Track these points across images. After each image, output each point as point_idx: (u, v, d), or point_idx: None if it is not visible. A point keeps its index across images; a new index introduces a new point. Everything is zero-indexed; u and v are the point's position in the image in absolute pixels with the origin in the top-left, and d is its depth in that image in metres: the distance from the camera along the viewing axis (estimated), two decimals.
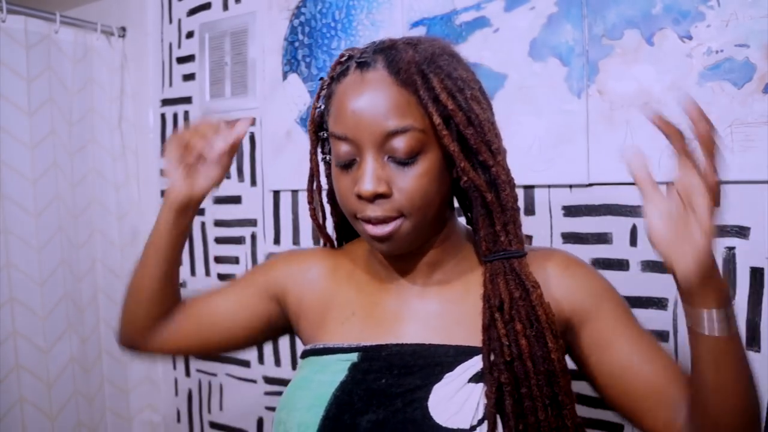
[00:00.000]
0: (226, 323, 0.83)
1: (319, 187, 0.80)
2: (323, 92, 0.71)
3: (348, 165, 0.66)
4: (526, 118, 1.22)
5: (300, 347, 1.66)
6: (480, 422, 0.61)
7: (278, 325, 0.84)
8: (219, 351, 0.87)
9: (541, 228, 1.22)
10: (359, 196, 0.64)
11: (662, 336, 1.13)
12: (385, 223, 0.65)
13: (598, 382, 0.68)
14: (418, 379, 0.64)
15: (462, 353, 0.65)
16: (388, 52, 0.65)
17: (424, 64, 0.63)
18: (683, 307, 0.57)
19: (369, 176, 0.63)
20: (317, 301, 0.78)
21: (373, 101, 0.63)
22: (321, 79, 0.72)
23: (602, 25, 1.15)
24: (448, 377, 0.64)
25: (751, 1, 1.01)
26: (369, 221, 0.65)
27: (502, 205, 0.65)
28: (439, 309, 0.70)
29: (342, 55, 0.70)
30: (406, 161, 0.63)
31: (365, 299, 0.74)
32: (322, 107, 0.71)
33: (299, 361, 0.77)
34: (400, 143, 0.62)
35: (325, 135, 0.72)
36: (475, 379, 0.63)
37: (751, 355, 1.04)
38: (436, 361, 0.65)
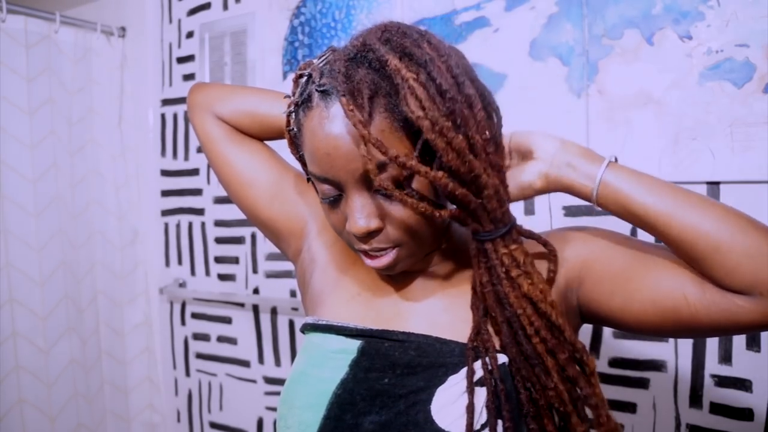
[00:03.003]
0: (255, 167, 0.83)
1: None
2: (291, 116, 0.67)
3: (335, 200, 0.63)
4: (526, 118, 1.22)
5: (299, 344, 1.66)
6: (483, 427, 0.60)
7: (279, 222, 0.82)
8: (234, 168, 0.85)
9: (541, 228, 1.21)
10: (351, 234, 0.62)
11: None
12: (381, 254, 0.63)
13: (629, 322, 0.64)
14: (422, 381, 0.63)
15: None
16: (345, 75, 0.59)
17: (382, 81, 0.58)
18: (594, 204, 0.62)
19: (358, 215, 0.60)
20: (333, 264, 0.77)
21: (344, 139, 0.58)
22: (286, 96, 0.68)
23: (602, 25, 1.15)
24: (452, 380, 0.62)
25: (751, 1, 1.01)
26: (365, 253, 0.64)
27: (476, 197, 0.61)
28: (444, 304, 0.69)
29: (301, 74, 0.65)
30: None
31: (372, 282, 0.73)
32: (295, 130, 0.67)
33: (303, 337, 0.75)
34: (384, 176, 0.58)
35: (302, 154, 0.69)
36: (480, 382, 0.62)
37: (751, 355, 1.04)
38: (441, 361, 0.64)
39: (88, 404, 1.73)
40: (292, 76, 1.55)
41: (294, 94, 0.66)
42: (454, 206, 0.62)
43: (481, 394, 0.61)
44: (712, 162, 1.06)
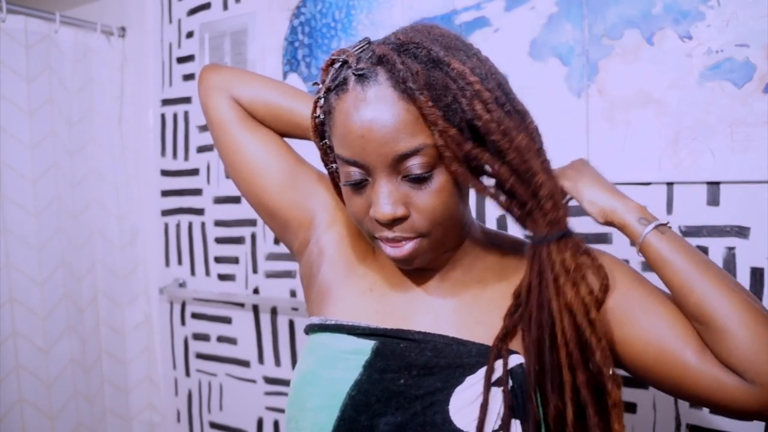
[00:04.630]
0: (267, 154, 0.81)
1: (338, 189, 0.77)
2: (320, 102, 0.66)
3: (359, 185, 0.63)
4: None
5: (300, 345, 1.66)
6: (501, 427, 0.60)
7: (283, 209, 0.80)
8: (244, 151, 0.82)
9: None
10: (376, 220, 0.62)
11: None
12: (403, 243, 0.63)
13: (628, 359, 0.65)
14: (439, 381, 0.62)
15: (484, 354, 0.63)
16: (387, 62, 0.60)
17: (427, 69, 0.59)
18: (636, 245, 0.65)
19: (384, 200, 0.60)
20: (343, 258, 0.76)
21: (379, 123, 0.59)
22: (315, 84, 0.69)
23: (602, 25, 1.15)
24: (470, 380, 0.62)
25: (751, 1, 1.01)
26: (387, 240, 0.64)
27: (527, 197, 0.62)
28: (456, 304, 0.69)
29: (334, 60, 0.65)
30: (421, 178, 0.60)
31: (384, 278, 0.72)
32: (321, 117, 0.67)
33: (307, 337, 0.73)
34: (413, 162, 0.59)
35: (328, 144, 0.69)
36: (498, 383, 0.62)
37: None
38: (458, 362, 0.63)
39: (88, 404, 1.73)
40: (292, 75, 1.56)
41: (323, 81, 0.66)
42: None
43: (499, 395, 0.61)
44: (712, 162, 1.06)
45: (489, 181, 0.64)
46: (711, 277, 0.61)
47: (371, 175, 0.61)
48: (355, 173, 0.62)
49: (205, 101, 0.85)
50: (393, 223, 0.62)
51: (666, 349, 0.61)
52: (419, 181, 0.60)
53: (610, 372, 0.60)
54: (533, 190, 0.60)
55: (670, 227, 0.65)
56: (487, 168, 0.61)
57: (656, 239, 0.63)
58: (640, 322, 0.63)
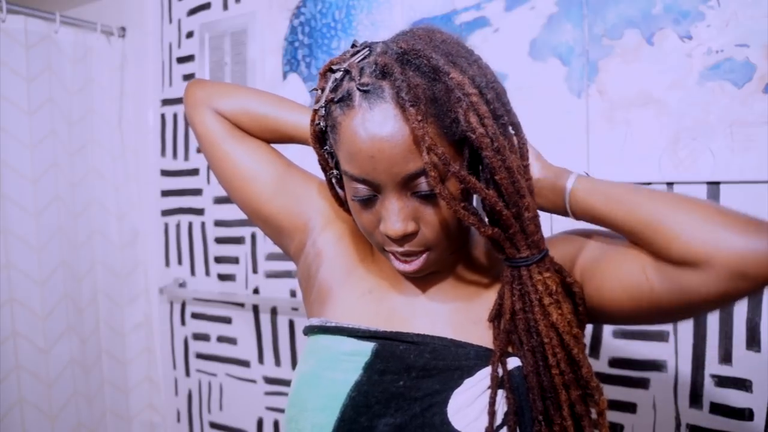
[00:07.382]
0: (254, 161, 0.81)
1: (337, 195, 0.77)
2: (321, 111, 0.65)
3: (368, 200, 0.63)
4: (526, 119, 1.22)
5: (300, 345, 1.66)
6: (499, 428, 0.61)
7: (279, 218, 0.80)
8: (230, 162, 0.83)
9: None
10: (387, 236, 0.63)
11: (663, 333, 1.13)
12: (412, 258, 0.64)
13: (606, 309, 0.64)
14: (437, 383, 0.63)
15: (482, 357, 0.64)
16: (390, 77, 0.59)
17: (429, 82, 0.59)
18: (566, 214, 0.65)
19: (395, 217, 0.61)
20: (340, 259, 0.76)
21: (389, 144, 0.58)
22: (314, 89, 0.68)
23: (602, 25, 1.15)
24: (468, 382, 0.62)
25: (751, 1, 1.01)
26: (396, 256, 0.65)
27: (512, 217, 0.62)
28: (456, 305, 0.69)
29: (334, 67, 0.64)
30: (430, 195, 0.61)
31: (383, 280, 0.73)
32: (322, 125, 0.67)
33: (306, 339, 0.74)
34: (422, 180, 0.60)
35: (328, 150, 0.69)
36: (499, 386, 0.62)
37: (751, 355, 1.04)
38: (456, 364, 0.64)
39: (88, 404, 1.73)
40: (292, 75, 1.56)
41: (322, 89, 0.65)
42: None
43: (497, 396, 0.62)
44: (712, 162, 1.06)
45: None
46: (647, 192, 0.61)
47: (380, 192, 0.62)
48: (364, 190, 0.62)
49: (190, 118, 0.86)
50: (403, 239, 0.62)
51: (629, 280, 0.60)
52: (428, 197, 0.61)
53: (595, 383, 0.61)
54: (518, 211, 0.60)
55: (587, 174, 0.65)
56: (475, 192, 0.60)
57: (583, 185, 0.64)
58: (599, 272, 0.63)
